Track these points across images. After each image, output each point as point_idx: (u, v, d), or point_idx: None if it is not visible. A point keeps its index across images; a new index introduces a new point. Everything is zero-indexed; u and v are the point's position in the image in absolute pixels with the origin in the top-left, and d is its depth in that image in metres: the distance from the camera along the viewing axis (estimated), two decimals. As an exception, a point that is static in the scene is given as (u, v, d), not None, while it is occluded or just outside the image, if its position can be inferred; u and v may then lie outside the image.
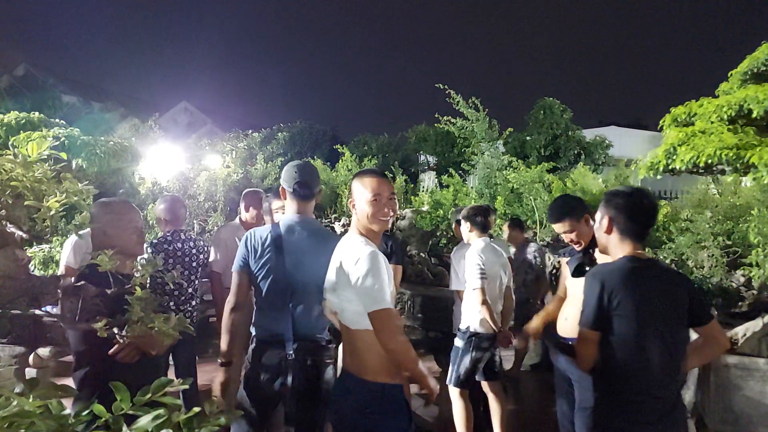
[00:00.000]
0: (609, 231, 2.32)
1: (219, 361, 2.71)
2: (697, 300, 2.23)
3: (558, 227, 3.23)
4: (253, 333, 2.73)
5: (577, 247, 3.26)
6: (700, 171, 4.02)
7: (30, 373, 4.63)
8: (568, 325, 3.10)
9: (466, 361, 3.94)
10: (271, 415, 2.75)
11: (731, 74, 4.39)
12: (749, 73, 4.10)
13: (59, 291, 1.84)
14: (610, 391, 2.22)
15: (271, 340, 2.64)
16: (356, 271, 2.12)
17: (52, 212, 1.50)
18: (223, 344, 2.69)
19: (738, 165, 3.53)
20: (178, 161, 10.08)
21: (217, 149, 14.18)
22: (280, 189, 2.85)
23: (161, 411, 1.31)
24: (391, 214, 2.34)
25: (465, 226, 4.15)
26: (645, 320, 2.13)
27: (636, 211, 2.28)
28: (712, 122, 3.84)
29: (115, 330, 1.68)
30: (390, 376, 2.17)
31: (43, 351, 4.52)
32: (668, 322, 2.16)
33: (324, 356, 2.68)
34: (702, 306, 2.25)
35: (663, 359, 2.13)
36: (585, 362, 2.29)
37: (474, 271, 3.89)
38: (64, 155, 2.04)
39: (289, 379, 2.58)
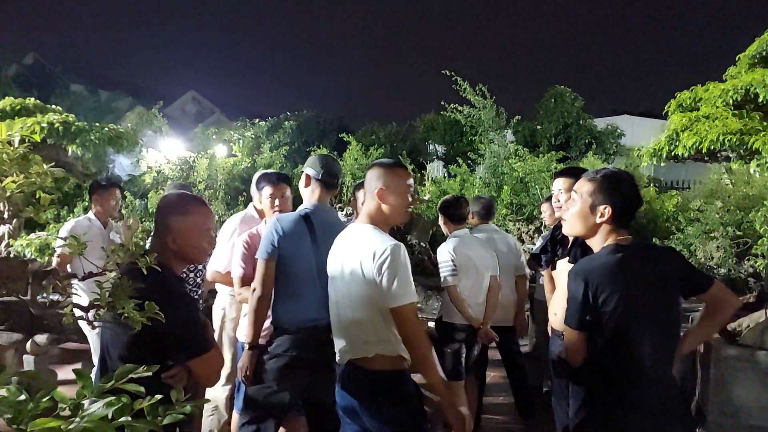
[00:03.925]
0: (610, 221, 2.14)
1: (246, 344, 2.78)
2: (690, 270, 2.17)
3: (561, 182, 3.14)
4: (275, 320, 2.75)
5: (558, 213, 3.20)
6: (705, 158, 3.91)
7: (28, 360, 4.64)
8: (558, 319, 3.08)
9: (447, 352, 3.88)
10: (296, 403, 2.79)
11: (739, 58, 4.28)
12: (757, 56, 3.99)
13: (29, 276, 1.81)
14: (605, 382, 2.14)
15: (299, 327, 2.68)
16: (382, 265, 2.11)
17: (9, 194, 1.46)
18: (251, 329, 2.75)
19: (741, 151, 3.42)
20: (181, 149, 10.07)
21: (224, 138, 14.18)
22: (304, 176, 2.90)
23: (113, 398, 1.27)
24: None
25: (440, 219, 4.07)
26: (635, 309, 2.04)
27: (636, 197, 2.18)
28: (717, 107, 3.74)
29: (79, 312, 1.63)
30: (393, 364, 2.18)
31: (41, 338, 4.52)
32: (659, 304, 2.08)
33: None
34: (697, 273, 2.19)
35: (656, 342, 2.06)
36: (575, 360, 2.22)
37: (443, 267, 3.80)
38: (36, 137, 2.01)
39: (318, 367, 2.64)
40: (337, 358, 2.36)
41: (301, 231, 2.71)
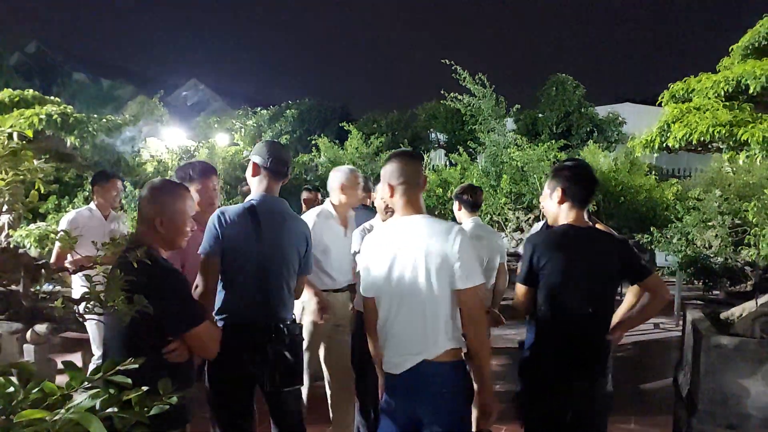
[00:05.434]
0: (562, 201, 2.55)
1: None
2: (633, 260, 2.56)
3: None
4: (223, 316, 2.61)
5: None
6: (698, 149, 3.92)
7: (28, 349, 4.69)
8: None
9: None
10: (251, 400, 2.71)
11: (732, 49, 4.27)
12: (750, 47, 3.98)
13: (21, 268, 1.86)
14: (540, 336, 2.56)
15: (246, 323, 2.57)
16: (455, 246, 2.12)
17: (-2, 190, 1.50)
18: None
19: (731, 142, 3.43)
20: (183, 138, 10.08)
21: (226, 127, 14.19)
22: (251, 164, 2.72)
23: (99, 390, 1.31)
24: None
25: (455, 206, 4.14)
26: (568, 277, 2.47)
27: (584, 178, 2.57)
28: (708, 98, 3.75)
29: (74, 307, 1.69)
30: (458, 356, 2.20)
31: (41, 327, 4.56)
32: (592, 276, 2.51)
33: (298, 335, 2.67)
34: (638, 264, 2.57)
35: (585, 311, 2.47)
36: (520, 311, 2.66)
37: None
38: (29, 133, 2.04)
39: (269, 361, 2.54)
40: (398, 362, 2.21)
41: (245, 224, 2.56)
